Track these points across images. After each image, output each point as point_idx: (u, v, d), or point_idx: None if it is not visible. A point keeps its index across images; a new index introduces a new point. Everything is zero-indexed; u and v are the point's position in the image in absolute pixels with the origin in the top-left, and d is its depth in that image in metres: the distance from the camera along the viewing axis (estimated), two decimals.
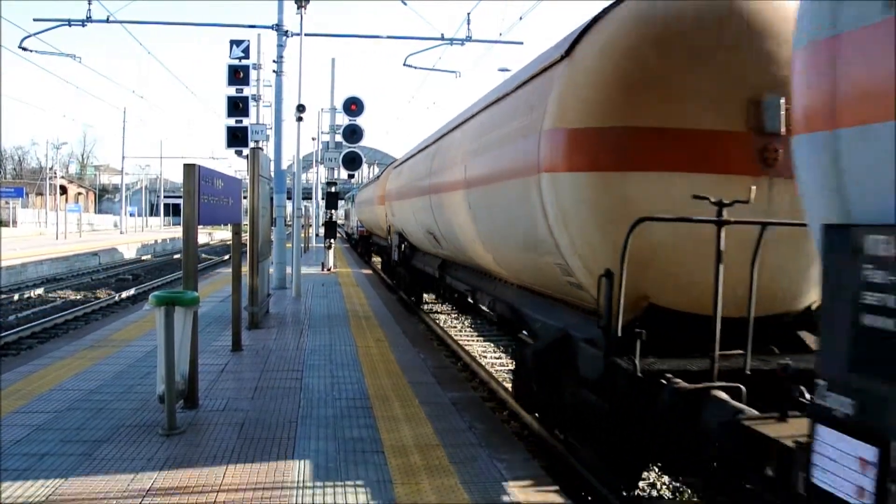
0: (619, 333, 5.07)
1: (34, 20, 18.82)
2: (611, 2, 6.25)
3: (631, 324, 5.20)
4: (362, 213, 32.13)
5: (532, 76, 7.48)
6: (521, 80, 7.94)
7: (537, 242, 6.98)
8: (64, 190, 75.32)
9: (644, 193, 5.49)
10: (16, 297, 20.94)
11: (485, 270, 10.49)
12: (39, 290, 22.63)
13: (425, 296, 20.31)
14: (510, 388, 9.23)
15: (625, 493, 5.87)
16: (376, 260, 33.81)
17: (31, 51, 19.09)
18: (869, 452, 2.62)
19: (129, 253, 40.82)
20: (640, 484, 6.79)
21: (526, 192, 6.92)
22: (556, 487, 4.98)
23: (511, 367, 10.81)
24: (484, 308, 11.86)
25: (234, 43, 16.76)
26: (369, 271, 25.78)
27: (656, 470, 7.05)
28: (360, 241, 35.17)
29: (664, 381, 4.96)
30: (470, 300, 12.68)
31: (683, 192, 5.18)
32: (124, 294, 21.72)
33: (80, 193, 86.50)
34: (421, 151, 15.35)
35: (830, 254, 2.88)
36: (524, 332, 8.12)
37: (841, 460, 2.77)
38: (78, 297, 21.74)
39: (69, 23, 18.28)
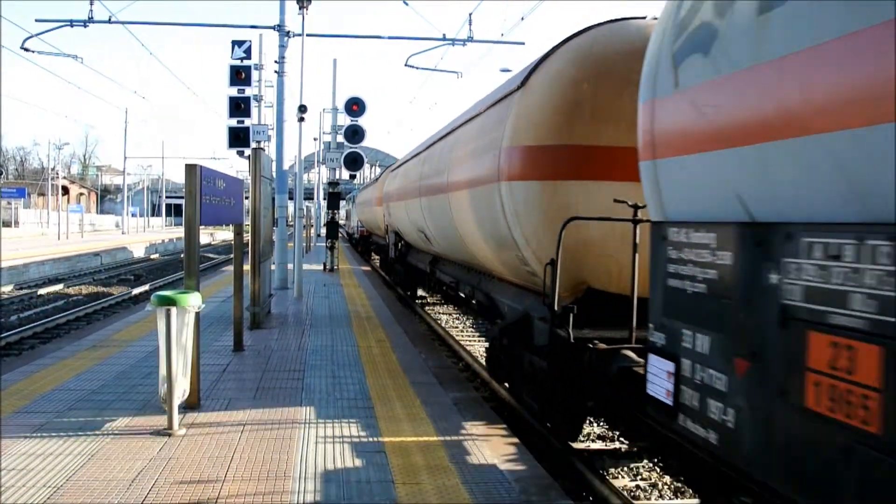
0: (556, 308, 6.29)
1: (36, 21, 18.77)
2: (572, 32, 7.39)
3: (573, 303, 6.54)
4: (362, 213, 34.21)
5: (496, 101, 8.81)
6: (488, 104, 9.34)
7: (501, 238, 8.18)
8: (66, 190, 75.43)
9: (579, 198, 6.73)
10: (17, 296, 20.98)
11: (468, 265, 11.76)
12: (41, 291, 22.64)
13: (419, 290, 21.24)
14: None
15: (571, 444, 7.20)
16: (375, 258, 34.74)
17: (32, 51, 19.12)
18: (671, 366, 4.04)
19: (133, 253, 40.83)
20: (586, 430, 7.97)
21: (491, 196, 8.12)
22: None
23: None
24: (465, 296, 13.76)
25: (236, 43, 16.77)
26: (368, 268, 27.41)
27: (658, 470, 7.06)
28: (361, 240, 37.22)
29: (590, 346, 6.20)
30: (457, 292, 14.34)
31: (609, 197, 6.32)
32: (136, 290, 21.76)
33: (81, 194, 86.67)
34: (414, 157, 16.64)
35: (654, 240, 4.36)
36: (499, 320, 9.41)
37: (659, 374, 4.19)
38: (80, 297, 21.78)
39: (71, 23, 18.29)
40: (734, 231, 3.50)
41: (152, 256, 42.24)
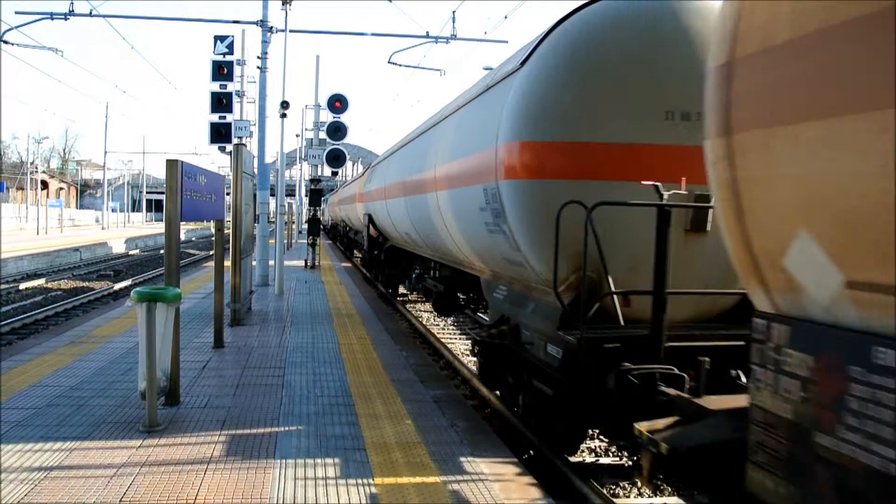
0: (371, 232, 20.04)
1: (16, 13, 18.73)
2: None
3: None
4: (330, 211, 49.73)
5: (359, 176, 26.77)
6: (357, 178, 29.70)
7: (358, 217, 23.83)
8: (45, 185, 74.68)
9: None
10: None
11: (357, 230, 26.12)
12: (20, 286, 22.41)
13: (355, 252, 34.81)
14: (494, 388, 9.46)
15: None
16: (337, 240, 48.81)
17: (12, 44, 18.95)
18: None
19: (114, 248, 40.50)
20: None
21: (355, 206, 24.44)
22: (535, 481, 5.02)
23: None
24: (357, 236, 27.94)
25: (219, 39, 16.67)
26: (330, 242, 46.94)
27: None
28: (332, 228, 52.69)
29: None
30: (362, 242, 24.47)
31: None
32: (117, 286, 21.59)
33: (61, 188, 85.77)
34: (346, 185, 34.96)
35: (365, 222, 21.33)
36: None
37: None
38: (59, 293, 21.58)
39: (51, 16, 18.15)
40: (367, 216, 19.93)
41: (133, 252, 41.87)
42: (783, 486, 2.88)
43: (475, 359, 9.51)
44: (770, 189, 2.89)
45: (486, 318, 9.56)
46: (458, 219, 8.90)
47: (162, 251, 39.69)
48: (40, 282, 24.05)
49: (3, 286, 21.99)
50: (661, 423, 4.26)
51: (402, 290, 19.93)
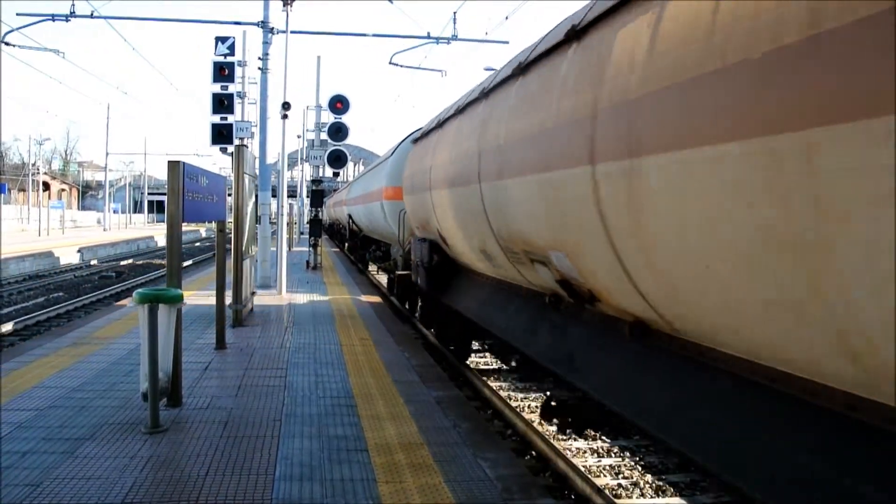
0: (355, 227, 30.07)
1: (17, 14, 18.69)
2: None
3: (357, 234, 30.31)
4: (328, 212, 54.23)
5: (346, 186, 39.61)
6: (344, 187, 43.86)
7: (345, 216, 33.00)
8: (47, 186, 74.71)
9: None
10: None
11: (343, 224, 35.23)
12: (21, 287, 22.43)
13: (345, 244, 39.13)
14: (492, 386, 9.57)
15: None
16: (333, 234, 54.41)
17: (13, 45, 18.96)
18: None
19: (115, 249, 40.54)
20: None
21: (343, 209, 33.80)
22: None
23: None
24: (345, 231, 34.37)
25: (220, 40, 16.63)
26: (328, 238, 51.53)
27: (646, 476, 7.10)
28: (329, 227, 56.29)
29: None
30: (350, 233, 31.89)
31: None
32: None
33: (63, 190, 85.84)
34: (340, 191, 43.71)
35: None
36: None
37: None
38: (60, 294, 21.60)
39: (53, 18, 18.15)
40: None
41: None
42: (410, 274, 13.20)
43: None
44: (411, 210, 12.72)
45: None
46: (371, 216, 20.05)
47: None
48: (42, 282, 24.04)
49: (4, 287, 22.01)
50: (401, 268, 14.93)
51: (371, 266, 28.99)
